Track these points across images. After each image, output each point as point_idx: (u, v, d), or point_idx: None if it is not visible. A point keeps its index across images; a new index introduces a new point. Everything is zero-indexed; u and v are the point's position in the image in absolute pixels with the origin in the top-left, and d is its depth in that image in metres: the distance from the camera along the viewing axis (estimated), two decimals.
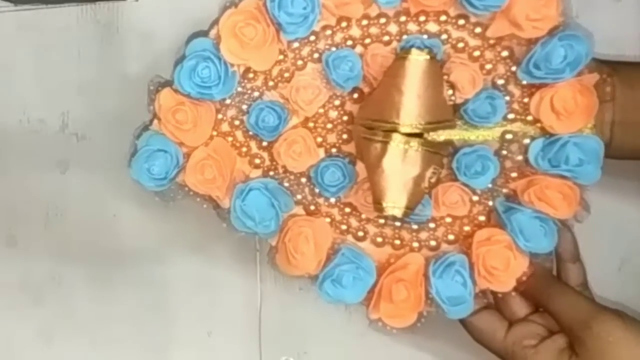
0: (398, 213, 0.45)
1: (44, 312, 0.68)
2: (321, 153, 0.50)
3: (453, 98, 0.47)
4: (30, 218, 0.68)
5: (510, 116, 0.48)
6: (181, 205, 0.68)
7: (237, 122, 0.51)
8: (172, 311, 0.67)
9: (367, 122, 0.46)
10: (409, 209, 0.46)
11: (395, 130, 0.44)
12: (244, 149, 0.51)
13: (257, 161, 0.51)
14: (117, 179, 0.69)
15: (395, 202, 0.45)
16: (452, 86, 0.47)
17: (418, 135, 0.45)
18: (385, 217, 0.49)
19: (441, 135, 0.47)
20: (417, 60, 0.44)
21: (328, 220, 0.51)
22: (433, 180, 0.46)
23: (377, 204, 0.45)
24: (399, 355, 0.66)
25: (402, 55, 0.45)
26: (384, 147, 0.44)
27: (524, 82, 0.48)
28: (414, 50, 0.45)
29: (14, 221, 0.68)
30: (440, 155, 0.47)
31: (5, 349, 0.69)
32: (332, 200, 0.50)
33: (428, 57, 0.45)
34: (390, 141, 0.44)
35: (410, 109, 0.44)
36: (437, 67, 0.45)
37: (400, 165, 0.44)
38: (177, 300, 0.67)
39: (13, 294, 0.68)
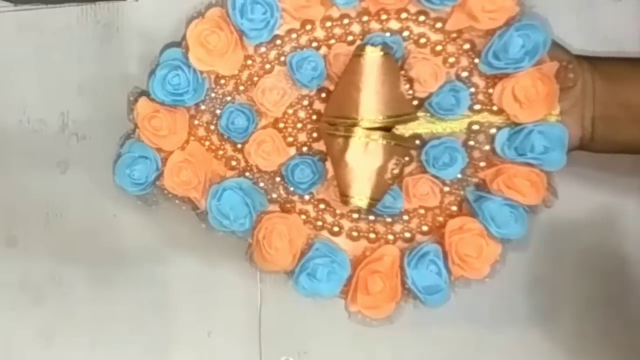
0: (363, 204, 0.48)
1: (44, 312, 0.69)
2: (292, 152, 0.53)
3: (411, 92, 0.49)
4: (30, 218, 0.69)
5: (477, 107, 0.50)
6: (180, 205, 0.68)
7: (212, 127, 0.55)
8: (172, 311, 0.67)
9: (330, 118, 0.49)
10: (374, 200, 0.48)
11: (357, 124, 0.47)
12: (220, 152, 0.55)
13: (234, 163, 0.55)
14: None
15: (360, 194, 0.47)
16: (410, 80, 0.49)
17: (386, 130, 0.48)
18: (358, 211, 0.52)
19: (409, 129, 0.49)
20: (372, 57, 0.46)
21: (303, 217, 0.53)
22: (396, 171, 0.48)
23: (344, 197, 0.48)
24: (399, 354, 0.66)
25: (357, 52, 0.48)
26: (346, 141, 0.47)
27: (488, 73, 0.50)
28: (368, 47, 0.47)
29: (14, 221, 0.69)
30: (402, 147, 0.49)
31: (5, 349, 0.69)
32: (306, 197, 0.53)
33: (382, 53, 0.47)
34: (352, 135, 0.47)
35: (369, 105, 0.46)
36: (392, 62, 0.48)
37: (362, 157, 0.46)
38: (177, 300, 0.67)
39: (13, 294, 0.69)
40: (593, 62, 0.54)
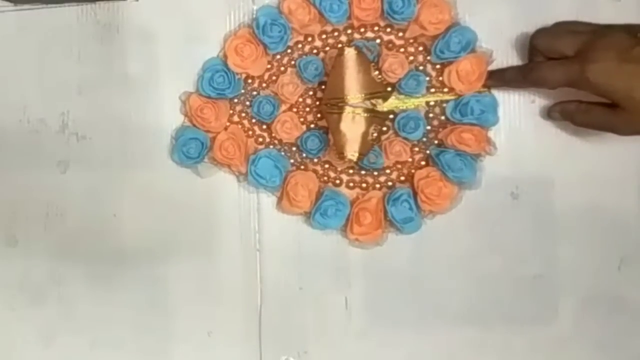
0: (354, 158, 0.64)
1: (44, 312, 0.69)
2: (304, 128, 0.70)
3: (380, 77, 0.67)
4: (30, 218, 0.69)
5: (432, 90, 0.69)
6: (180, 205, 0.68)
7: (243, 114, 0.70)
8: (172, 311, 0.68)
9: (327, 101, 0.66)
10: (361, 154, 0.65)
11: (346, 103, 0.64)
12: (251, 132, 0.70)
13: (260, 140, 0.70)
14: (117, 179, 0.69)
15: (351, 151, 0.64)
16: (379, 69, 0.67)
17: (370, 111, 0.65)
18: (352, 167, 0.69)
19: (385, 106, 0.67)
20: (349, 54, 0.64)
21: (314, 174, 0.71)
22: (375, 134, 0.65)
23: (340, 154, 0.65)
24: (399, 355, 0.67)
25: (339, 53, 0.65)
26: (340, 116, 0.64)
27: (437, 66, 0.68)
28: (346, 48, 0.65)
29: (14, 221, 0.69)
30: (379, 118, 0.66)
31: (5, 349, 0.69)
32: (315, 160, 0.70)
33: (356, 51, 0.64)
34: (343, 111, 0.64)
35: (352, 87, 0.64)
36: (363, 56, 0.65)
37: (351, 126, 0.64)
38: (177, 300, 0.68)
39: (13, 294, 0.69)
40: None
